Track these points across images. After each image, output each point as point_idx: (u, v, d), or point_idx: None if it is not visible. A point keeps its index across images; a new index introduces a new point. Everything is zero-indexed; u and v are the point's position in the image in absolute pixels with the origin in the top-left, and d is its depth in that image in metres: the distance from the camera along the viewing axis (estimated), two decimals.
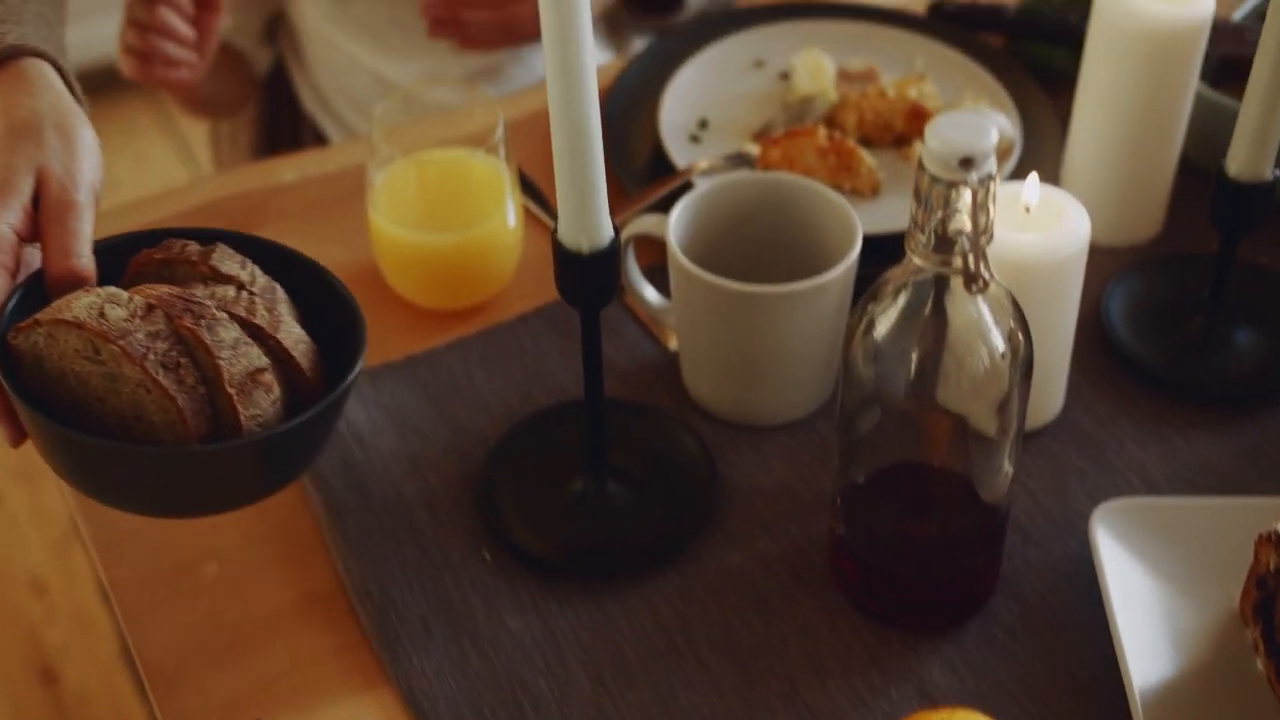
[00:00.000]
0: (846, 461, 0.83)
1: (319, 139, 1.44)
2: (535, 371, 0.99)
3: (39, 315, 0.74)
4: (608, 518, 0.90)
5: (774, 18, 1.23)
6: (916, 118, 1.11)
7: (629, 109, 1.15)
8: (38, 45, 0.84)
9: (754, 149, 1.09)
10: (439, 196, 0.99)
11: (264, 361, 0.76)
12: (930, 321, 0.75)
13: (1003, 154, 1.09)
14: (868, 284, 0.79)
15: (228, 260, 0.79)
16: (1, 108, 0.81)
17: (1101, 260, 1.04)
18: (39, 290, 0.77)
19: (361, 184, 1.05)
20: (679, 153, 1.10)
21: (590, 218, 0.77)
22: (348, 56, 1.36)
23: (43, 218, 0.78)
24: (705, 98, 1.16)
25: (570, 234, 0.78)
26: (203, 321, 0.75)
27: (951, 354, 0.76)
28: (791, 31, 1.21)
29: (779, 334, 0.91)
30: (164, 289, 0.76)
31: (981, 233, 0.71)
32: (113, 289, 0.76)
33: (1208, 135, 1.07)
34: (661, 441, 0.94)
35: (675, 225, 0.93)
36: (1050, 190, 0.89)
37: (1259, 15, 1.15)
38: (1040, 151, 1.11)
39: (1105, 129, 1.03)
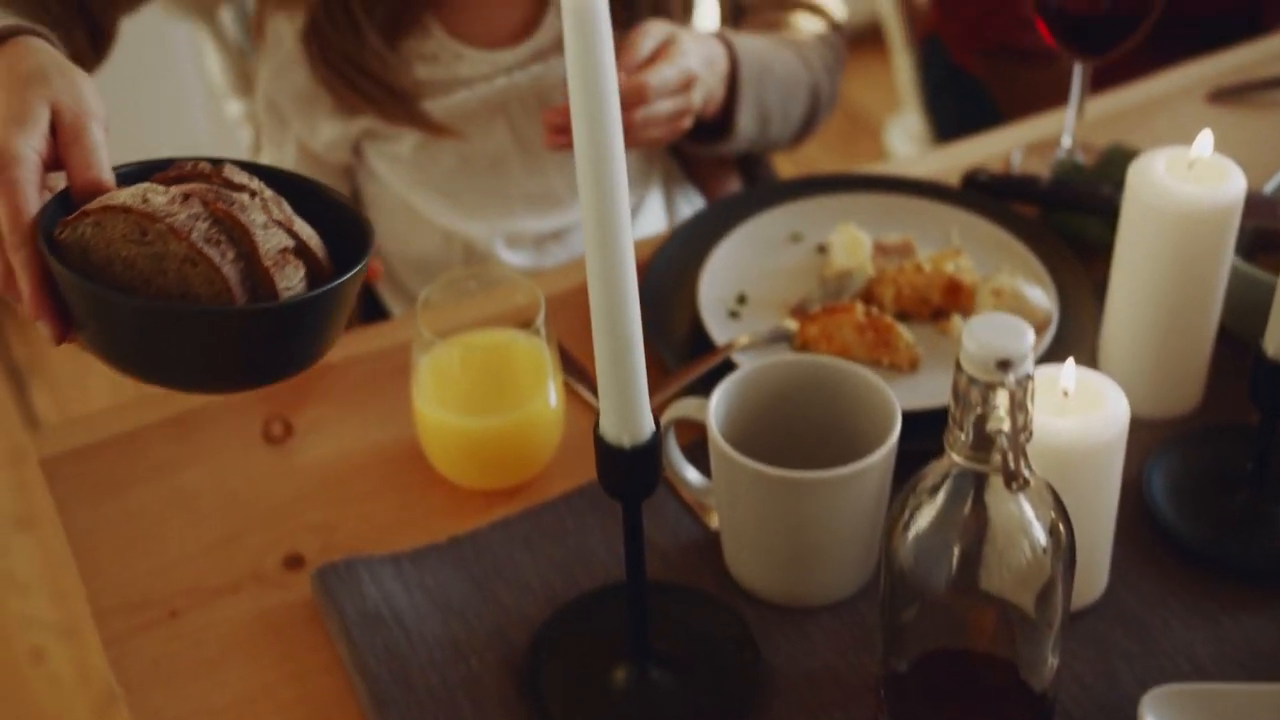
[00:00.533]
0: (889, 649, 0.82)
1: (375, 305, 1.46)
2: (578, 552, 0.99)
3: (86, 207, 0.82)
4: (651, 706, 0.89)
5: (810, 191, 1.25)
6: (954, 292, 1.12)
7: (669, 283, 1.17)
8: (31, 26, 0.95)
9: (792, 325, 1.10)
10: (481, 380, 1.00)
11: (291, 242, 0.84)
12: (971, 516, 0.76)
13: (1040, 327, 1.10)
14: (909, 460, 0.79)
15: (238, 173, 0.86)
16: (7, 66, 0.91)
17: (1141, 434, 1.04)
18: (64, 208, 0.84)
19: (406, 361, 1.06)
20: (718, 329, 1.12)
21: (631, 414, 0.78)
22: (419, 218, 1.39)
23: (61, 142, 0.86)
24: (743, 272, 1.18)
25: (612, 429, 0.79)
26: (235, 204, 0.83)
27: (993, 547, 0.76)
28: (828, 205, 1.23)
29: (820, 518, 0.91)
30: (195, 183, 0.84)
31: (1020, 431, 0.72)
32: (149, 183, 0.84)
33: (1245, 307, 1.07)
34: (705, 624, 0.94)
35: (716, 409, 0.94)
36: (1087, 373, 0.90)
37: None
38: (1077, 324, 1.12)
39: (1141, 306, 1.03)
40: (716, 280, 1.17)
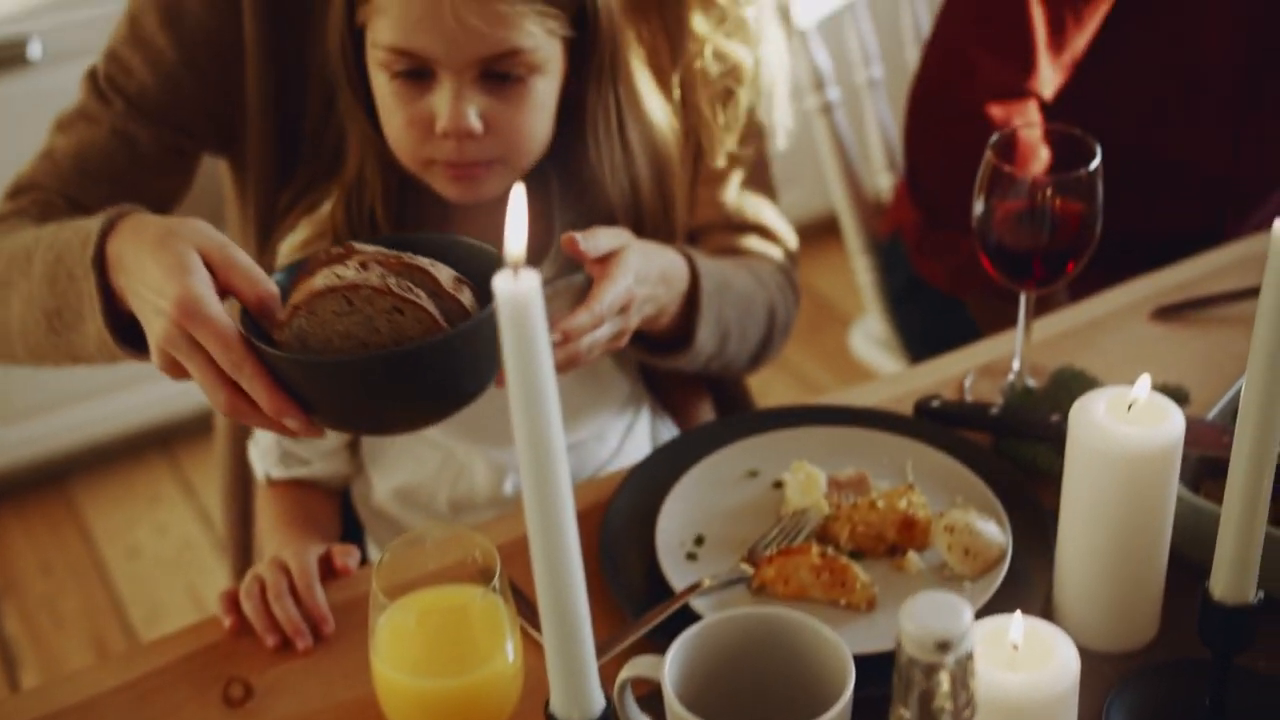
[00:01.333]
0: None
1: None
2: None
3: (293, 302, 0.98)
4: None
5: (766, 426, 1.27)
6: (908, 529, 1.13)
7: (627, 528, 1.18)
8: (130, 206, 1.13)
9: (749, 569, 1.11)
10: (439, 640, 1.00)
11: (455, 272, 1.02)
12: None
13: (994, 562, 1.11)
14: (867, 705, 0.79)
15: (365, 246, 1.02)
16: (135, 238, 1.06)
17: (1099, 667, 1.04)
18: (248, 325, 1.00)
19: (366, 615, 1.07)
20: (676, 573, 1.12)
21: (581, 691, 0.79)
22: (418, 436, 1.39)
23: (220, 273, 1.02)
24: (701, 512, 1.19)
25: (562, 707, 0.80)
26: (404, 256, 1.00)
27: None
28: (783, 439, 1.25)
29: None
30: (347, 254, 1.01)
31: (963, 708, 0.72)
32: (322, 272, 1.00)
33: (1195, 535, 1.09)
34: None
35: (671, 666, 0.94)
36: (1036, 624, 0.91)
37: (1231, 413, 1.19)
38: (1031, 556, 1.13)
39: (1091, 542, 1.05)
40: (674, 522, 1.18)
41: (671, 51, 1.38)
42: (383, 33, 1.17)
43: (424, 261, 1.01)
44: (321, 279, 0.99)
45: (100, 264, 1.09)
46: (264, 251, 1.34)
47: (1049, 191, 1.21)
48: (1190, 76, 1.70)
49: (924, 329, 1.93)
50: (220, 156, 1.39)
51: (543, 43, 1.19)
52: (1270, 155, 1.74)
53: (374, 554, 1.45)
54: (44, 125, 2.55)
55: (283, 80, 1.31)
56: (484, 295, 1.03)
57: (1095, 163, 1.21)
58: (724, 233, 1.46)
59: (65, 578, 2.61)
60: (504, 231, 1.30)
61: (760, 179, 1.48)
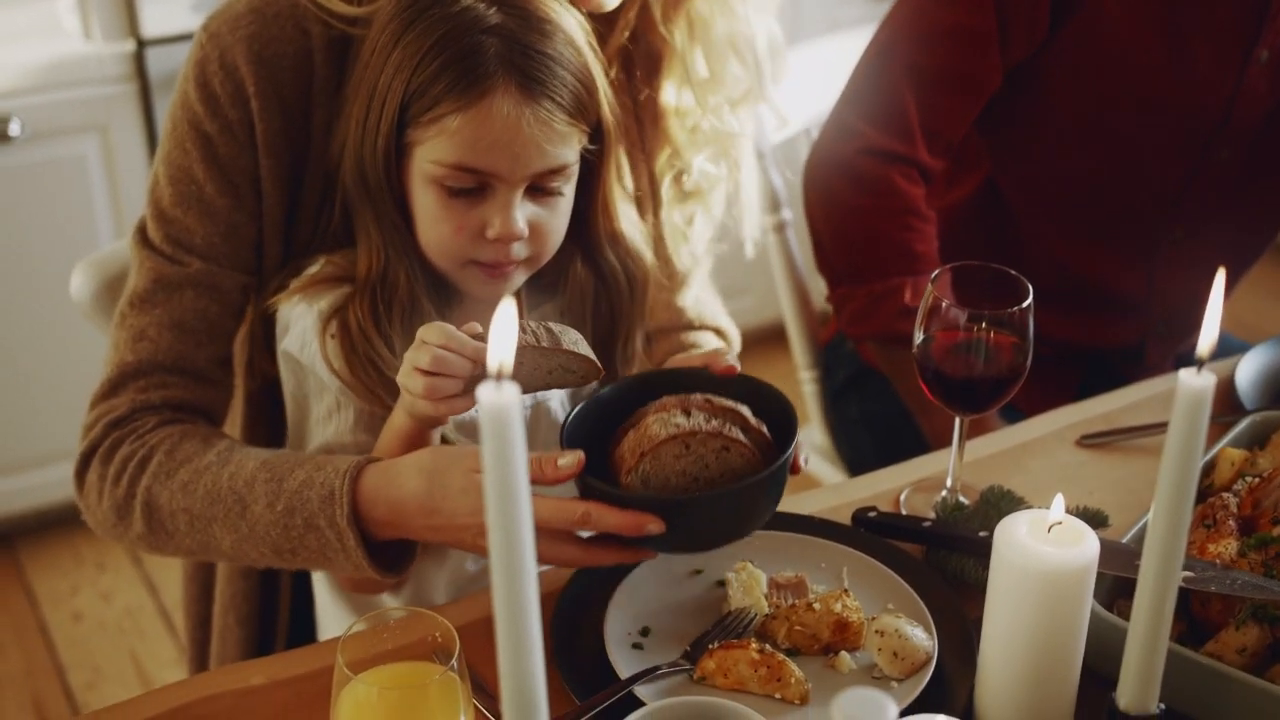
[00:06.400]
0: None
1: (304, 628, 1.52)
2: None
3: (643, 451, 1.17)
4: None
5: None
6: (841, 631, 1.21)
7: (577, 616, 1.25)
8: (367, 457, 1.26)
9: (691, 661, 1.18)
10: (398, 714, 1.06)
11: (748, 408, 1.22)
12: None
13: (920, 664, 1.19)
14: None
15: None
16: (394, 484, 1.22)
17: None
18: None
19: (328, 685, 1.13)
20: (622, 661, 1.19)
21: None
22: None
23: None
24: (648, 605, 1.26)
25: None
26: (710, 398, 1.20)
27: None
28: None
29: None
30: (672, 397, 1.22)
31: None
32: (651, 416, 1.20)
33: (1107, 650, 1.17)
34: None
35: None
36: None
37: (1144, 538, 1.27)
38: (956, 660, 1.21)
39: (1011, 652, 1.12)
40: (623, 613, 1.25)
41: (648, 162, 1.48)
42: (446, 152, 1.26)
43: (728, 402, 1.21)
44: (659, 427, 1.18)
45: (356, 519, 1.23)
46: (254, 321, 1.41)
47: (984, 325, 1.31)
48: (1117, 202, 1.82)
49: (859, 416, 2.02)
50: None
51: (576, 155, 1.31)
52: (1185, 282, 1.85)
53: (325, 632, 1.51)
54: (26, 198, 2.61)
55: (287, 192, 1.38)
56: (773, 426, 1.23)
57: (1028, 301, 1.31)
58: (682, 333, 1.55)
59: (7, 639, 2.63)
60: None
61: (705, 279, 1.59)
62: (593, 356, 1.24)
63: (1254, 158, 1.80)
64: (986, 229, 1.85)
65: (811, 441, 2.20)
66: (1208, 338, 0.92)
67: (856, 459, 2.04)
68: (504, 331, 0.80)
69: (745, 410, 1.21)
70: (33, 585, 2.74)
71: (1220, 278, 0.93)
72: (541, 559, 1.13)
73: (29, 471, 2.73)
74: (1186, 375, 0.92)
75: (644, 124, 1.50)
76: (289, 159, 1.36)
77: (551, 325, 1.22)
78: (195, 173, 1.35)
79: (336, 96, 1.35)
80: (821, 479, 2.18)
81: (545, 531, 1.16)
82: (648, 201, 1.50)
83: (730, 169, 1.53)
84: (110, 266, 1.53)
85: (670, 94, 1.48)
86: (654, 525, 1.15)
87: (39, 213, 2.59)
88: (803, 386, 2.17)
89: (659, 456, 1.17)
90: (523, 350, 1.21)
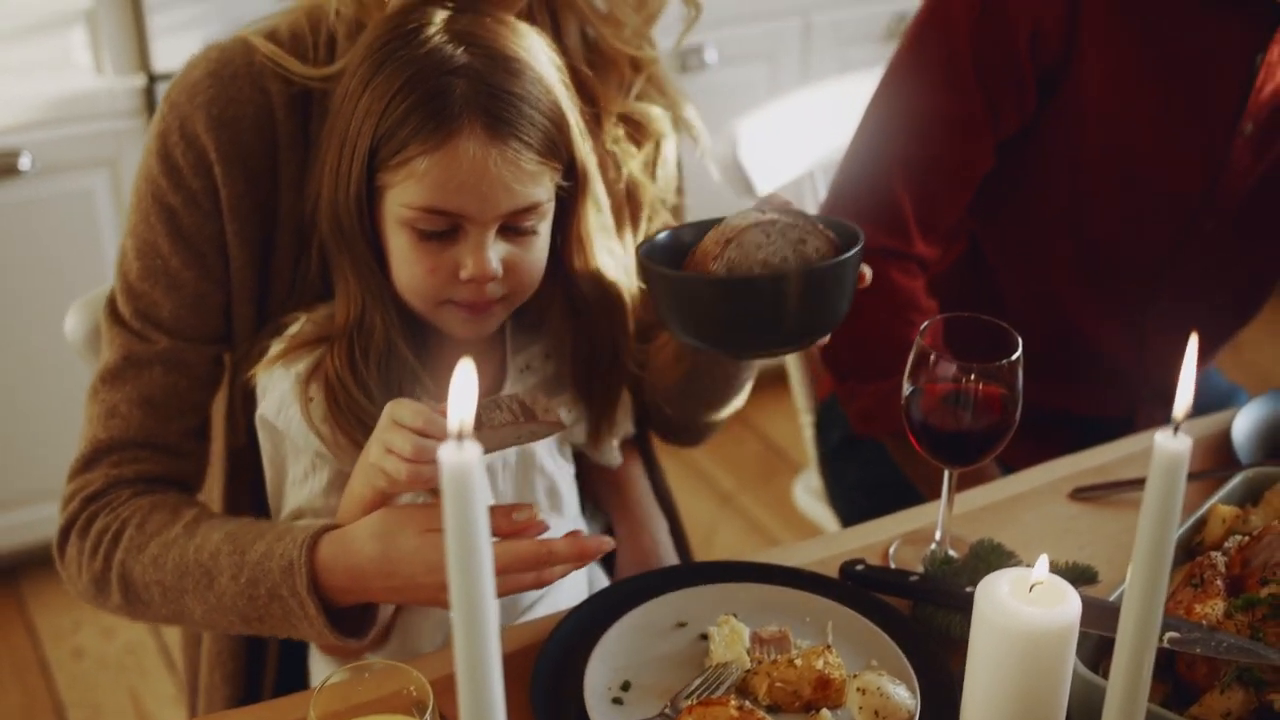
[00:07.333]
0: None
1: (296, 674, 1.51)
2: None
3: (720, 243, 1.23)
4: None
5: (697, 579, 1.34)
6: (823, 688, 1.20)
7: (558, 669, 1.24)
8: (325, 523, 1.27)
9: (671, 716, 1.17)
10: None
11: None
12: None
13: None
14: None
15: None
16: (350, 552, 1.24)
17: None
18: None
19: None
20: (601, 715, 1.18)
21: None
22: None
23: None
24: (630, 659, 1.25)
25: None
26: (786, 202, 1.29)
27: None
28: (713, 593, 1.32)
29: None
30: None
31: None
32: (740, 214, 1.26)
33: (1088, 709, 1.15)
34: None
35: None
36: None
37: None
38: (938, 718, 1.19)
39: (992, 712, 1.11)
40: (604, 666, 1.24)
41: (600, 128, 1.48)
42: (416, 195, 1.26)
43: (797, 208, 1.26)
44: (739, 219, 1.23)
45: (315, 588, 1.24)
46: (234, 384, 1.41)
47: (973, 377, 1.30)
48: (1104, 272, 1.81)
49: (856, 480, 2.01)
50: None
51: (549, 194, 1.31)
52: (1175, 349, 1.84)
53: (316, 680, 1.50)
54: (34, 232, 2.62)
55: (257, 253, 1.38)
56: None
57: (1017, 353, 1.30)
58: None
59: (8, 675, 2.62)
60: (481, 367, 1.40)
61: None
62: (562, 420, 1.27)
63: (1240, 227, 1.79)
64: (971, 297, 1.85)
65: (810, 487, 2.19)
66: (1183, 400, 0.91)
67: (855, 521, 2.02)
68: (465, 389, 0.80)
69: (812, 216, 1.27)
70: (35, 621, 2.74)
71: (1193, 342, 0.92)
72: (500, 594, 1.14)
73: (34, 505, 2.73)
74: (1163, 438, 0.91)
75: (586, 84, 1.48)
76: (257, 219, 1.36)
77: (524, 398, 1.24)
78: (160, 246, 1.35)
79: (302, 150, 1.35)
80: (819, 523, 2.16)
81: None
82: (623, 209, 1.50)
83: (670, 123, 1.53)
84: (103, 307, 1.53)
85: (574, 36, 1.48)
86: (606, 545, 1.22)
87: (48, 247, 2.60)
88: (804, 432, 2.16)
89: (743, 244, 1.21)
90: (500, 428, 1.22)
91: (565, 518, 1.48)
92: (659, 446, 1.71)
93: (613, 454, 1.54)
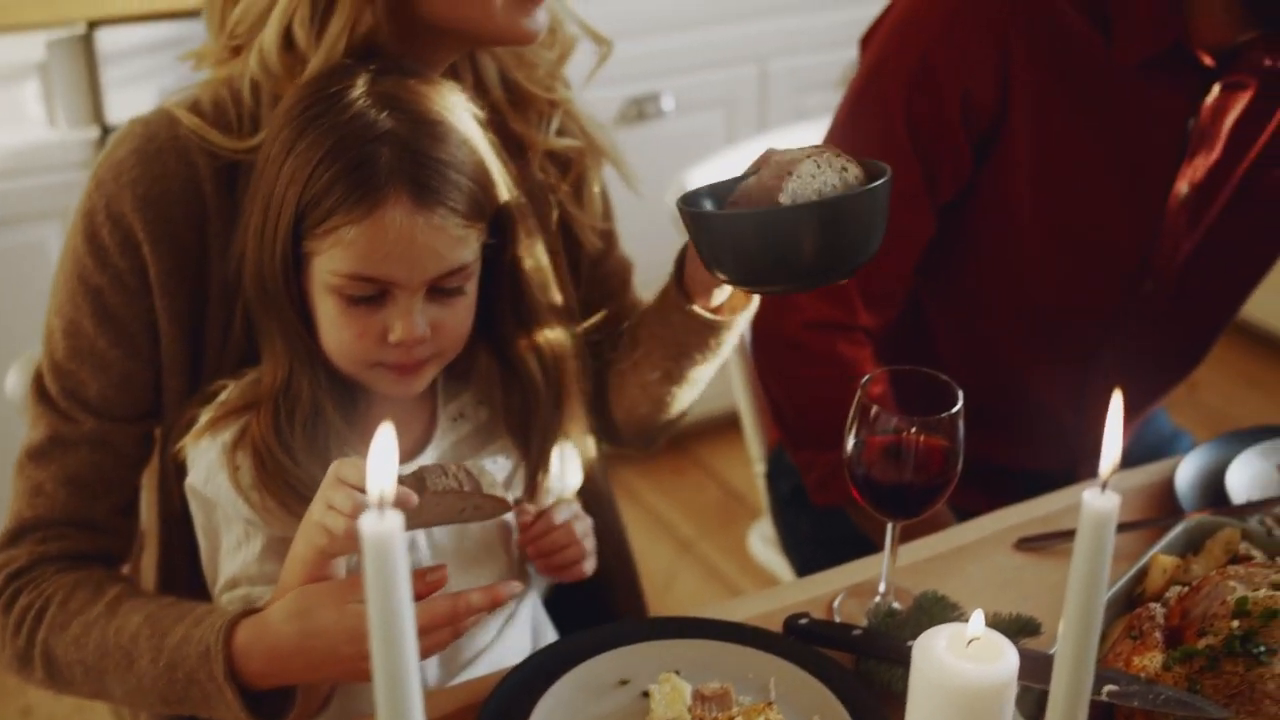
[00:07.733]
0: None
1: None
2: None
3: (779, 177, 1.21)
4: None
5: (642, 636, 1.33)
6: None
7: None
8: (240, 609, 1.27)
9: None
10: None
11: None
12: None
13: None
14: None
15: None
16: (265, 636, 1.23)
17: None
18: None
19: None
20: None
21: None
22: None
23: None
24: (571, 717, 1.24)
25: None
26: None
27: None
28: (657, 649, 1.31)
29: None
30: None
31: None
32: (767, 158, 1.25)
33: None
34: None
35: None
36: None
37: None
38: None
39: None
40: None
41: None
42: (343, 263, 1.26)
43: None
44: (785, 155, 1.23)
45: (233, 674, 1.24)
46: (164, 455, 1.40)
47: (914, 430, 1.30)
48: (1043, 333, 1.82)
49: (809, 532, 2.01)
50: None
51: (475, 254, 1.32)
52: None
53: None
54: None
55: (187, 326, 1.38)
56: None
57: (957, 406, 1.30)
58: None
59: None
60: (413, 418, 1.39)
61: None
62: (506, 497, 1.29)
63: (1179, 287, 1.81)
64: (911, 353, 1.85)
65: (765, 535, 2.19)
66: (1109, 458, 0.91)
67: (809, 570, 2.02)
68: (385, 457, 0.79)
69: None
70: None
71: (1118, 399, 0.92)
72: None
73: None
74: (1090, 495, 0.91)
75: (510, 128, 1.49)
76: (186, 293, 1.36)
77: (470, 468, 1.25)
78: (85, 327, 1.35)
79: (231, 221, 1.35)
80: (775, 572, 2.16)
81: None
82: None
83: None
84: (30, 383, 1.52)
85: (494, 79, 1.49)
86: (516, 589, 1.27)
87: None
88: (758, 480, 2.16)
89: (801, 175, 1.21)
90: (445, 494, 1.22)
91: (501, 563, 1.47)
92: (619, 496, 1.71)
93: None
